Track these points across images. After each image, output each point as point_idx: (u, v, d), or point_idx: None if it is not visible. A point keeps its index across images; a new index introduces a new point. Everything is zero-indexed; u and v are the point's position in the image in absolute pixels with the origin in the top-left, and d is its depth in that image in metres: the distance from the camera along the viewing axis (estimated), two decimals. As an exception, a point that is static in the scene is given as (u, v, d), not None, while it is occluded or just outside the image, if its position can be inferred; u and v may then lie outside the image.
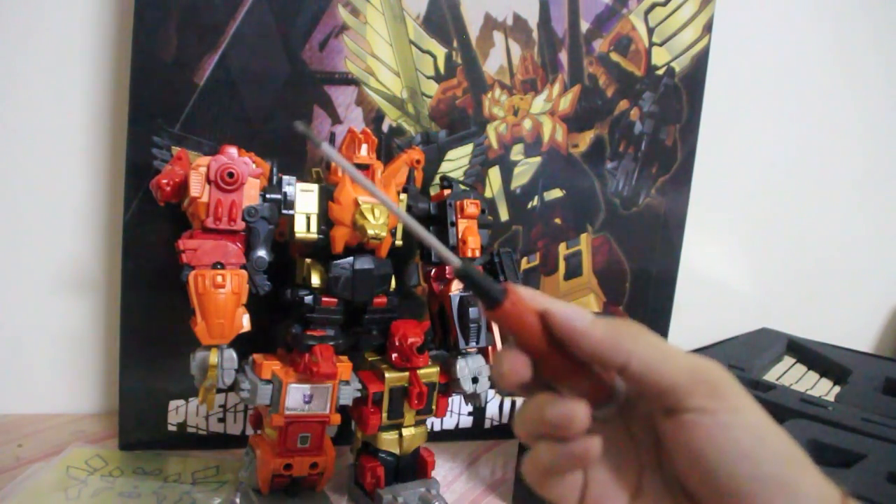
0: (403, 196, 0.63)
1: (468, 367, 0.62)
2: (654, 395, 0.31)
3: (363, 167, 0.59)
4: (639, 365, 0.30)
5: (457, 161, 0.73)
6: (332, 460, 0.59)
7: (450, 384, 0.63)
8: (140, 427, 0.69)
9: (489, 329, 0.63)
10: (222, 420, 0.72)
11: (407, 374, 0.60)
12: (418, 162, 0.65)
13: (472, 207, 0.63)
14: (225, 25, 0.65)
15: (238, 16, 0.65)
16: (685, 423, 0.30)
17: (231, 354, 0.54)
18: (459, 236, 0.63)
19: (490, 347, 0.63)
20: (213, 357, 0.53)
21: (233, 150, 0.56)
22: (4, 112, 0.69)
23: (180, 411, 0.70)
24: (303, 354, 0.56)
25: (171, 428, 0.70)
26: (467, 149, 0.73)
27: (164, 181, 0.55)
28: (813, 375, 0.82)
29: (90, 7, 0.69)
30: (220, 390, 0.59)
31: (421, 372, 0.60)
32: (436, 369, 0.62)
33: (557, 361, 0.31)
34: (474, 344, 0.61)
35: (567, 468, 0.32)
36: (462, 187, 0.66)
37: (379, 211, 0.55)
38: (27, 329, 0.73)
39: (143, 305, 0.67)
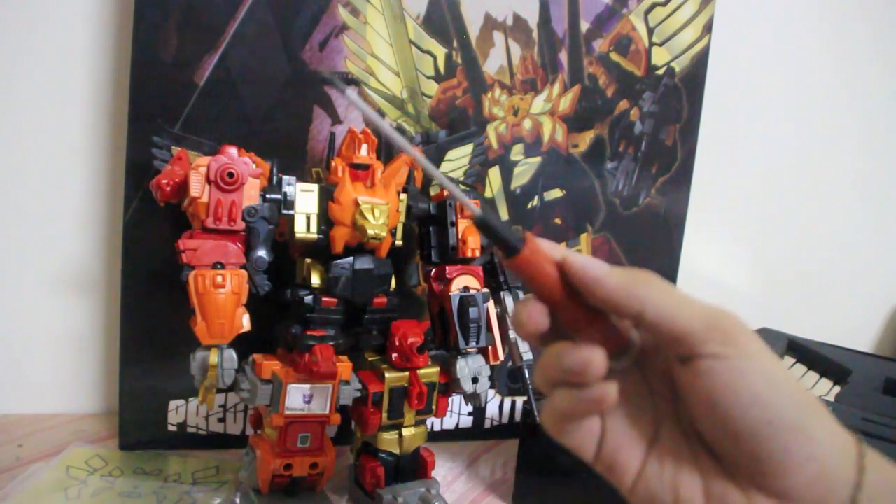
0: (403, 196, 0.62)
1: (468, 366, 0.62)
2: (668, 343, 0.31)
3: (363, 167, 0.58)
4: (653, 312, 0.31)
5: (457, 161, 0.73)
6: (332, 460, 0.59)
7: (450, 384, 0.62)
8: (140, 427, 0.69)
9: (489, 329, 0.62)
10: (222, 420, 0.72)
11: (407, 374, 0.60)
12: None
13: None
14: (225, 25, 0.65)
15: (238, 16, 0.65)
16: (699, 370, 0.31)
17: (231, 354, 0.54)
18: (459, 236, 0.62)
19: (490, 348, 0.63)
20: (213, 357, 0.53)
21: (233, 150, 0.56)
22: (4, 112, 0.69)
23: (180, 411, 0.70)
24: (303, 354, 0.56)
25: (171, 428, 0.70)
26: (467, 149, 0.73)
27: (164, 181, 0.55)
28: (813, 375, 0.82)
29: (90, 6, 0.69)
30: (220, 390, 0.59)
31: (421, 372, 0.60)
32: (436, 369, 0.62)
33: (574, 310, 0.31)
34: (474, 344, 0.61)
35: (584, 414, 0.33)
36: (462, 187, 0.65)
37: (379, 211, 0.55)
38: (27, 329, 0.73)
39: (143, 305, 0.67)
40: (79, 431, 0.71)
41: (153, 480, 0.63)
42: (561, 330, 0.32)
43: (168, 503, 0.60)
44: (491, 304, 0.64)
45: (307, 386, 0.56)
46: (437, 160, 0.72)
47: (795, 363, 0.86)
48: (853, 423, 0.63)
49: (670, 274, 0.88)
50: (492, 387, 0.64)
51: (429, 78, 0.73)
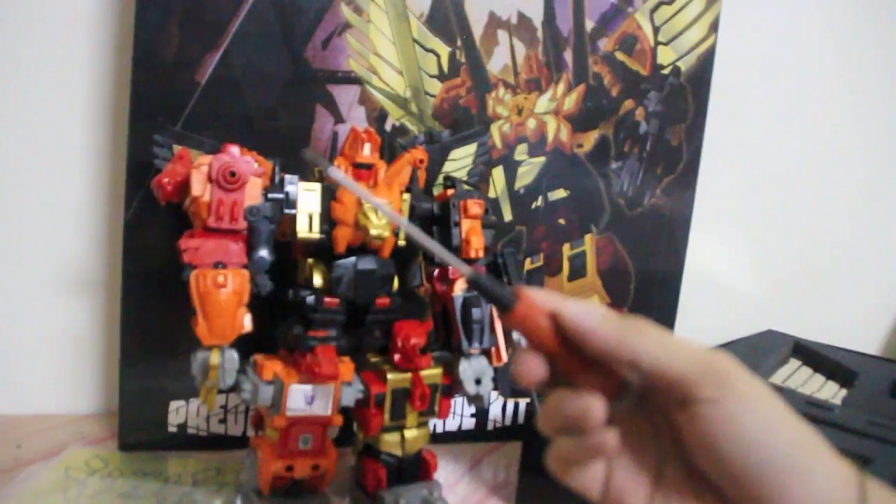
0: (406, 196, 0.62)
1: (471, 368, 0.61)
2: (664, 389, 0.32)
3: (366, 167, 0.58)
4: (647, 361, 0.32)
5: (460, 161, 0.71)
6: (333, 462, 0.59)
7: (453, 386, 0.62)
8: (140, 428, 0.69)
9: (492, 330, 0.62)
10: (223, 421, 0.71)
11: (409, 375, 0.60)
12: (422, 161, 0.64)
13: (475, 207, 0.62)
14: (227, 23, 0.65)
15: (240, 13, 0.65)
16: (697, 415, 0.31)
17: (233, 355, 0.53)
18: (463, 237, 0.62)
19: (493, 349, 0.63)
20: (215, 357, 0.52)
21: (235, 149, 0.55)
22: (5, 110, 0.69)
23: (180, 412, 0.70)
24: (304, 355, 0.55)
25: (172, 429, 0.70)
26: (471, 148, 0.71)
27: (166, 180, 0.54)
28: (819, 378, 0.82)
29: (91, 5, 0.68)
30: (221, 391, 0.58)
31: (423, 373, 0.60)
32: (438, 370, 0.61)
33: (571, 359, 0.32)
34: (477, 345, 0.61)
35: (587, 459, 0.34)
36: (466, 187, 0.65)
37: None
38: (27, 329, 0.73)
39: (144, 306, 0.67)
40: (78, 432, 0.71)
41: (153, 481, 0.63)
42: (560, 375, 0.33)
43: (168, 504, 0.59)
44: None
45: (309, 387, 0.55)
46: (441, 160, 0.70)
47: (801, 365, 0.86)
48: (860, 426, 0.63)
49: (675, 275, 0.87)
50: (495, 388, 0.63)
51: (432, 77, 0.72)
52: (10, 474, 0.61)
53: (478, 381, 0.61)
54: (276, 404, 0.55)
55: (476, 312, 0.60)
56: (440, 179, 0.70)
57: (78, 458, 0.65)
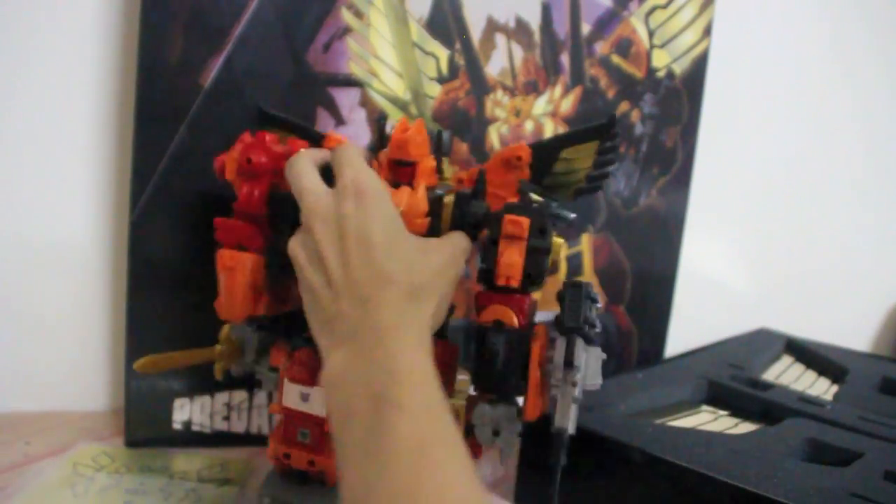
0: (449, 198, 0.53)
1: (488, 415, 0.50)
2: None
3: (405, 164, 0.51)
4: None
5: (575, 162, 0.54)
6: (332, 463, 0.57)
7: (469, 429, 0.52)
8: (146, 425, 0.70)
9: (524, 377, 0.49)
10: (227, 419, 0.72)
11: None
12: (519, 159, 0.53)
13: (510, 226, 0.49)
14: (230, 28, 0.66)
15: (243, 18, 0.66)
16: None
17: (250, 333, 0.56)
18: (497, 257, 0.50)
19: (525, 400, 0.50)
20: (224, 331, 0.57)
21: (267, 137, 0.55)
22: (10, 113, 0.70)
23: (185, 409, 0.71)
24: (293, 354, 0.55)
25: (177, 426, 0.71)
26: (589, 147, 0.54)
27: (221, 160, 0.56)
28: (811, 375, 0.83)
29: (96, 9, 0.69)
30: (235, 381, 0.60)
31: None
32: (461, 402, 0.53)
33: None
34: (484, 390, 0.51)
35: None
36: (536, 198, 0.52)
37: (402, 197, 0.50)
38: (34, 327, 0.74)
39: (150, 304, 0.68)
40: (86, 429, 0.72)
41: (159, 478, 0.64)
42: None
43: (174, 500, 0.60)
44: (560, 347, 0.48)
45: (303, 385, 0.55)
46: (549, 160, 0.54)
47: (794, 362, 0.87)
48: (851, 422, 0.64)
49: (670, 274, 0.88)
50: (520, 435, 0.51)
51: (431, 79, 0.73)
52: (20, 470, 0.62)
53: (496, 433, 0.51)
54: (276, 393, 0.56)
55: (495, 345, 0.49)
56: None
57: (85, 455, 0.66)
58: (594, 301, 0.50)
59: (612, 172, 0.79)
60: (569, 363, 0.47)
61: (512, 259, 0.49)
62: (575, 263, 0.83)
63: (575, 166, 0.54)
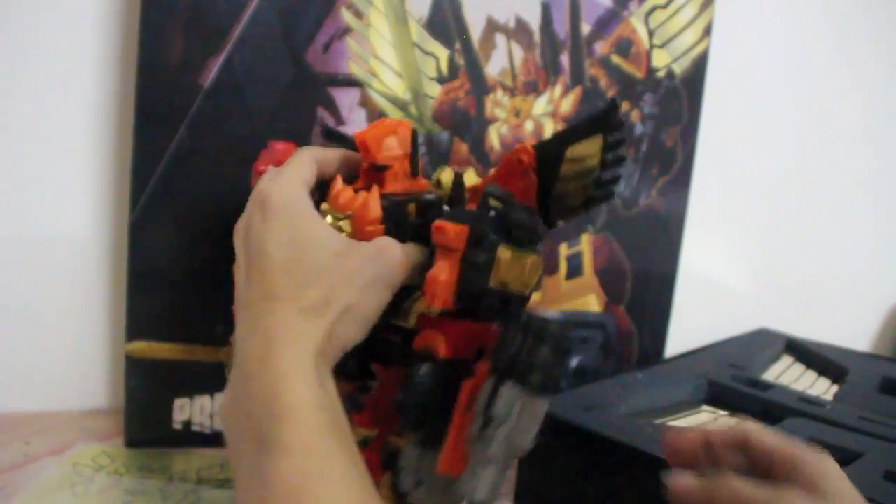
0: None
1: (412, 459, 0.42)
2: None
3: (382, 168, 0.47)
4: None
5: (583, 162, 0.44)
6: None
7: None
8: (145, 425, 0.70)
9: (448, 425, 0.40)
10: (227, 418, 0.72)
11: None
12: (520, 162, 0.45)
13: (439, 235, 0.41)
14: (229, 28, 0.66)
15: (242, 18, 0.66)
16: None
17: None
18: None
19: (443, 451, 0.40)
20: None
21: (280, 146, 0.54)
22: (10, 112, 0.70)
23: (185, 409, 0.71)
24: None
25: (176, 426, 0.71)
26: (595, 144, 0.43)
27: (259, 168, 0.56)
28: (811, 375, 0.83)
29: (96, 9, 0.69)
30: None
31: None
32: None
33: None
34: (405, 430, 0.43)
35: None
36: (493, 203, 0.43)
37: (344, 224, 0.46)
38: (34, 327, 0.74)
39: (150, 304, 0.68)
40: (85, 429, 0.72)
41: (159, 478, 0.64)
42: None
43: (173, 500, 0.60)
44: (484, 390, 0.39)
45: None
46: (556, 161, 0.44)
47: (794, 362, 0.87)
48: (851, 422, 0.64)
49: (670, 274, 0.88)
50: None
51: (432, 79, 0.73)
52: (20, 470, 0.62)
53: (419, 483, 0.43)
54: None
55: (414, 377, 0.41)
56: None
57: (85, 455, 0.66)
58: (541, 339, 0.38)
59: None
60: (487, 413, 0.39)
61: (436, 274, 0.41)
62: (575, 263, 0.83)
63: (584, 167, 0.43)
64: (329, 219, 0.45)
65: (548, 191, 0.44)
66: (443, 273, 0.40)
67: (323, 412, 0.36)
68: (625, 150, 0.43)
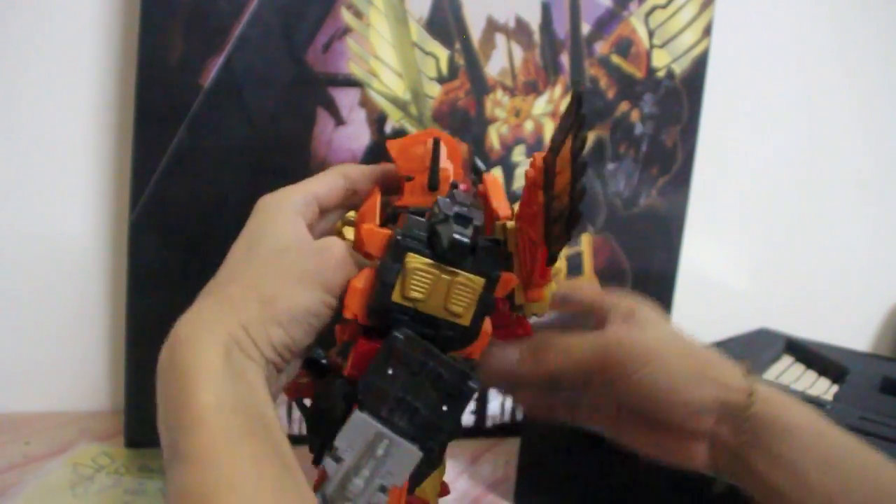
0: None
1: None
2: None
3: (408, 178, 0.45)
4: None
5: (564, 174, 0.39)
6: None
7: None
8: (146, 425, 0.69)
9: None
10: (227, 418, 0.72)
11: None
12: (529, 177, 0.41)
13: (362, 241, 0.40)
14: (230, 28, 0.66)
15: (242, 18, 0.66)
16: (611, 342, 0.44)
17: None
18: None
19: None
20: None
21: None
22: (10, 112, 0.70)
23: (185, 410, 0.71)
24: None
25: (176, 426, 0.71)
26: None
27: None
28: (811, 375, 0.83)
29: (96, 9, 0.69)
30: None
31: None
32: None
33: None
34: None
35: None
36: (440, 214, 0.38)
37: (351, 232, 0.47)
38: (34, 328, 0.74)
39: (149, 304, 0.68)
40: (86, 429, 0.72)
41: (158, 478, 0.64)
42: None
43: (174, 500, 0.60)
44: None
45: None
46: (551, 176, 0.38)
47: (794, 362, 0.87)
48: (851, 422, 0.64)
49: (670, 274, 0.88)
50: None
51: (431, 79, 0.73)
52: (20, 470, 0.62)
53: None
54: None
55: (320, 394, 0.40)
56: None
57: (85, 455, 0.66)
58: (426, 379, 0.36)
59: (610, 172, 0.80)
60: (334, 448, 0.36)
61: (354, 282, 0.38)
62: (575, 264, 0.83)
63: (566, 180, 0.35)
64: (344, 226, 0.46)
65: (549, 212, 0.36)
66: (360, 280, 0.37)
67: (232, 414, 0.33)
68: (584, 147, 0.34)
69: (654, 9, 0.81)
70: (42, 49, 0.69)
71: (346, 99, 0.70)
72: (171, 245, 0.68)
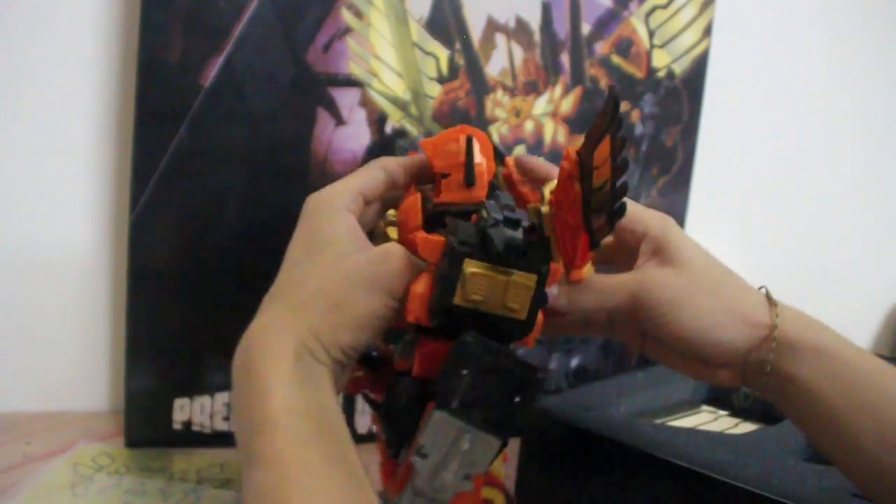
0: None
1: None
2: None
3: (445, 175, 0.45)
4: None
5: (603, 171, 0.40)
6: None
7: None
8: (146, 425, 0.70)
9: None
10: (227, 418, 0.72)
11: None
12: (562, 169, 0.43)
13: (421, 245, 0.41)
14: (230, 27, 0.66)
15: (243, 18, 0.66)
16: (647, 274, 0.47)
17: None
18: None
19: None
20: None
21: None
22: (10, 113, 0.70)
23: (185, 409, 0.71)
24: None
25: (177, 426, 0.71)
26: (606, 147, 0.38)
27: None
28: (811, 374, 0.83)
29: (96, 9, 0.69)
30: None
31: None
32: None
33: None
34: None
35: None
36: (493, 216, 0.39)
37: (392, 229, 0.49)
38: (34, 328, 0.74)
39: (150, 304, 0.68)
40: (86, 429, 0.72)
41: (159, 478, 0.64)
42: None
43: (173, 500, 0.60)
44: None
45: None
46: (588, 171, 0.39)
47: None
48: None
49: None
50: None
51: (432, 79, 0.73)
52: (20, 470, 0.62)
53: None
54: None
55: (392, 393, 0.43)
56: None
57: (85, 455, 0.66)
58: (490, 372, 0.37)
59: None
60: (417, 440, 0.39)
61: (414, 286, 0.40)
62: (575, 263, 0.83)
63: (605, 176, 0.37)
64: (388, 227, 0.48)
65: (588, 203, 0.38)
66: (420, 285, 0.39)
67: (302, 418, 0.35)
68: (626, 152, 0.38)
69: (654, 9, 0.81)
70: (42, 49, 0.69)
71: (346, 99, 0.70)
72: (171, 245, 0.68)
